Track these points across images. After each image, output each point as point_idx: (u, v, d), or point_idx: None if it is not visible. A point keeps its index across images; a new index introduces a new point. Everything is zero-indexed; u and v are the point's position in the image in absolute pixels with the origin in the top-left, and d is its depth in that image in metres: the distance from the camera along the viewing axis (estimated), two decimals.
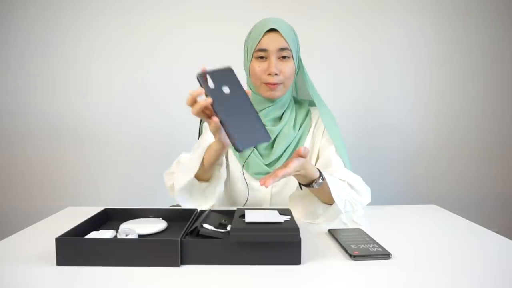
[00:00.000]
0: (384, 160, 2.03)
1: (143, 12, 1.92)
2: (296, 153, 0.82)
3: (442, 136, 2.05)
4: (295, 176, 0.88)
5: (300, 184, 0.95)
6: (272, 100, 1.09)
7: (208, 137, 1.06)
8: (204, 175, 1.02)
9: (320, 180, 0.89)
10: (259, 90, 1.08)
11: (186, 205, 1.02)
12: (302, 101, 1.22)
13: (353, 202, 0.97)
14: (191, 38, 1.93)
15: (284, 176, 0.79)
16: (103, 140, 1.96)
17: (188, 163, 1.01)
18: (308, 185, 0.91)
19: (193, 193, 1.03)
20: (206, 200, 1.04)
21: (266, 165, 1.10)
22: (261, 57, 1.05)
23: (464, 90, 2.03)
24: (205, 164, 0.98)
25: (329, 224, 0.94)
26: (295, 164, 0.81)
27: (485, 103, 2.04)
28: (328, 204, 0.96)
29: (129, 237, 0.74)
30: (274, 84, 1.04)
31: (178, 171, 1.04)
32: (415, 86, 2.02)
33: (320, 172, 0.90)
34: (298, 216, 0.95)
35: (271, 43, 1.03)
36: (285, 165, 0.82)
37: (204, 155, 0.98)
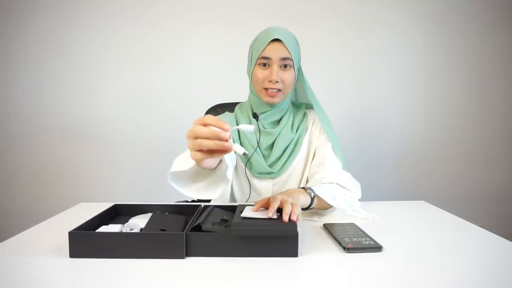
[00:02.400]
0: (376, 160, 2.08)
1: (149, 20, 1.97)
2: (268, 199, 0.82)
3: (429, 136, 2.09)
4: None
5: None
6: (271, 105, 1.14)
7: None
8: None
9: (312, 206, 0.97)
10: (259, 94, 1.13)
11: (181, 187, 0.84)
12: (299, 104, 1.27)
13: (350, 200, 1.06)
14: (195, 45, 1.99)
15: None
16: (113, 140, 2.02)
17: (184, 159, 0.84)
18: (307, 208, 0.97)
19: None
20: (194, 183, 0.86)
21: (268, 165, 1.15)
22: (264, 64, 1.09)
23: (450, 91, 2.07)
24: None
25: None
26: (273, 206, 0.79)
27: (470, 103, 2.08)
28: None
29: (133, 231, 0.78)
30: (273, 91, 1.09)
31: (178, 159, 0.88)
32: (404, 87, 2.06)
33: (311, 199, 0.96)
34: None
35: (274, 52, 1.07)
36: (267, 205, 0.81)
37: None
